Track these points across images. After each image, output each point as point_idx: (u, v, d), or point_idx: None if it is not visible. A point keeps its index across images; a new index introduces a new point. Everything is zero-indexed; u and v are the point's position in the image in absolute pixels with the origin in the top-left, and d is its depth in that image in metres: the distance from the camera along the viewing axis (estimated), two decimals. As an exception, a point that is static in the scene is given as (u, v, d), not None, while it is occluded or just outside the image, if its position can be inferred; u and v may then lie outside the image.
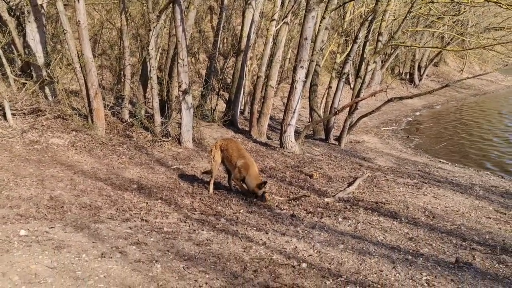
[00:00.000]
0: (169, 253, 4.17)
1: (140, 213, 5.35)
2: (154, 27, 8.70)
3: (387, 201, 6.96)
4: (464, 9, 12.03)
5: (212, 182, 6.70)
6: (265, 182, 6.36)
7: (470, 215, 6.67)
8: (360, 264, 4.39)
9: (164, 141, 8.99)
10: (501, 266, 4.70)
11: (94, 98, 8.31)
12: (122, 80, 10.16)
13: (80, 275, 3.47)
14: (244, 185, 6.51)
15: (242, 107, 13.98)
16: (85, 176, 6.48)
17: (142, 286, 3.46)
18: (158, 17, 8.82)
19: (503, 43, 10.79)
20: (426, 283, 4.06)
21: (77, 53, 8.28)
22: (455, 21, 17.64)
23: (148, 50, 8.94)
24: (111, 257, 3.87)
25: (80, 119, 8.57)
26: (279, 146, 10.23)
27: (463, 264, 4.60)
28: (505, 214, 6.91)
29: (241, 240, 4.74)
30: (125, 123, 9.34)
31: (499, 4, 8.06)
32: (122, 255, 3.95)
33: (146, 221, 5.12)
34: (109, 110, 9.53)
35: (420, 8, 11.89)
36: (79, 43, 8.20)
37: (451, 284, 4.07)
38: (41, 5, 8.86)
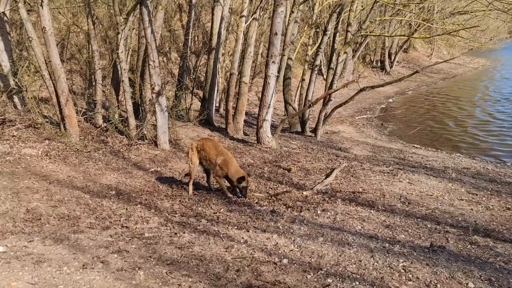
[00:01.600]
0: (152, 259, 4.19)
1: (120, 220, 5.33)
2: (122, 30, 8.59)
3: (364, 190, 7.12)
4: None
5: (191, 183, 6.71)
6: (242, 178, 6.32)
7: (443, 198, 6.89)
8: (340, 255, 4.51)
9: (140, 144, 8.92)
10: (473, 246, 4.91)
11: (65, 105, 8.17)
12: (94, 84, 10.01)
13: (62, 289, 3.47)
14: (226, 183, 6.56)
15: (217, 105, 13.98)
16: (61, 185, 6.39)
17: (126, 294, 3.49)
18: (125, 20, 8.71)
19: (466, 28, 11.09)
20: (403, 269, 4.21)
21: (45, 60, 8.12)
22: (420, 8, 17.99)
23: (117, 53, 8.83)
24: (93, 268, 3.87)
25: (52, 127, 8.42)
26: (256, 142, 10.29)
27: (437, 247, 4.78)
28: (477, 194, 7.18)
29: (223, 240, 4.80)
30: (99, 128, 9.23)
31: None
32: (104, 265, 3.95)
33: (127, 227, 5.11)
34: (81, 116, 9.39)
35: (386, -3, 12.10)
36: (46, 50, 8.04)
37: (426, 268, 4.23)
38: (3, 12, 8.64)
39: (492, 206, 6.56)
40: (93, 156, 7.95)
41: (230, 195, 6.51)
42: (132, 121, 9.06)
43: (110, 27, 12.22)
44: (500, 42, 27.92)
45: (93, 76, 10.09)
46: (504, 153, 11.76)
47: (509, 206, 6.55)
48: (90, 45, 9.89)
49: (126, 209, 5.73)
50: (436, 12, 20.96)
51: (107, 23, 12.45)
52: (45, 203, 5.60)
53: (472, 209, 6.39)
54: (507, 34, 35.13)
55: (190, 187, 6.70)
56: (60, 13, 12.50)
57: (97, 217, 5.36)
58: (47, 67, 8.13)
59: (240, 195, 6.47)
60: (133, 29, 10.87)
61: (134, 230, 5.03)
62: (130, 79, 9.46)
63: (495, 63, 36.83)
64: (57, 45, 8.87)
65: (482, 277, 4.12)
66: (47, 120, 8.63)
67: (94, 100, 9.91)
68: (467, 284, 3.98)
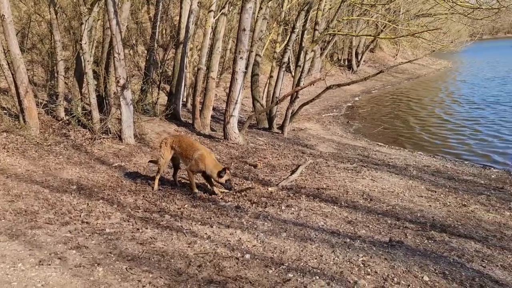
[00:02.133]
0: (112, 255, 4.12)
1: (80, 215, 5.20)
2: (86, 21, 8.36)
3: (328, 186, 7.22)
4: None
5: (157, 178, 6.62)
6: (224, 169, 6.25)
7: (404, 195, 7.09)
8: (302, 250, 4.57)
9: (104, 138, 8.72)
10: (429, 241, 5.08)
11: (24, 97, 7.89)
12: (56, 76, 9.69)
13: (15, 286, 3.36)
14: (193, 178, 6.50)
15: (185, 100, 13.85)
16: (19, 179, 6.18)
17: (84, 291, 3.42)
18: (89, 10, 8.47)
19: (429, 30, 11.46)
20: (362, 264, 4.31)
21: (3, 49, 7.80)
22: (387, 9, 18.42)
23: (81, 44, 8.59)
24: (49, 264, 3.76)
25: (11, 119, 8.12)
26: (223, 137, 10.27)
27: (395, 242, 4.92)
28: (435, 191, 7.42)
29: (186, 236, 4.77)
30: (61, 121, 8.96)
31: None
32: (61, 261, 3.85)
33: (87, 223, 5.00)
34: (42, 108, 9.08)
35: (354, -3, 12.29)
36: (5, 39, 7.73)
37: (385, 263, 4.35)
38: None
39: (449, 202, 6.81)
40: (54, 150, 7.72)
41: (196, 190, 6.47)
42: (96, 115, 8.84)
43: (74, 17, 11.84)
44: (461, 44, 28.99)
45: (55, 67, 9.77)
46: (451, 152, 12.07)
47: (465, 203, 6.82)
48: (52, 35, 9.56)
49: (87, 204, 5.61)
50: (402, 14, 21.54)
51: (70, 12, 12.05)
52: (1, 198, 5.41)
53: (430, 205, 6.61)
54: (467, 37, 36.52)
55: (156, 182, 6.61)
56: (21, 0, 12.02)
57: (56, 212, 5.22)
58: (6, 57, 7.81)
59: (224, 190, 6.46)
60: (98, 20, 10.59)
61: (94, 226, 4.93)
62: (94, 72, 9.23)
63: (456, 65, 38.25)
64: (17, 34, 8.55)
65: (437, 271, 4.27)
66: (6, 111, 8.32)
67: (56, 92, 9.61)
68: (422, 277, 4.12)
